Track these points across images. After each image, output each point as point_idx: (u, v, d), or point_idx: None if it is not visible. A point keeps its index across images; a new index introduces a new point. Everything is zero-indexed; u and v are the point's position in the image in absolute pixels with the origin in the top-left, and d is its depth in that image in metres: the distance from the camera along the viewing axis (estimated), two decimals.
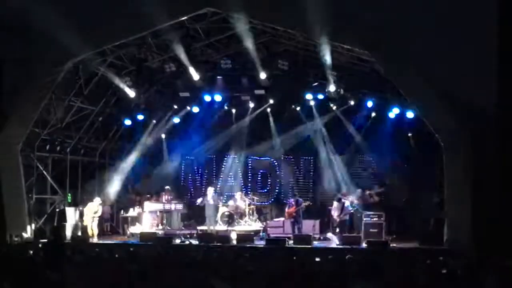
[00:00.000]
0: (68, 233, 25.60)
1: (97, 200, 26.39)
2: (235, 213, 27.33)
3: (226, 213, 27.21)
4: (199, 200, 27.61)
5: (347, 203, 25.41)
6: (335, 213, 25.29)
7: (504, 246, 17.74)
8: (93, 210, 25.97)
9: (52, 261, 11.07)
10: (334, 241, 24.68)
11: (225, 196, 29.72)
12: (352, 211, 25.36)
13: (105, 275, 9.08)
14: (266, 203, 30.40)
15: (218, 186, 30.37)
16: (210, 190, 27.28)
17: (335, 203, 25.43)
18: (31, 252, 15.71)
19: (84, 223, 26.00)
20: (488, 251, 17.13)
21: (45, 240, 21.15)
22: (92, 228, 25.93)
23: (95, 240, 25.31)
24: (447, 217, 21.84)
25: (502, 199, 19.45)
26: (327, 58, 23.48)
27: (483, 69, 19.70)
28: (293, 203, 26.16)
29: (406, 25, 20.25)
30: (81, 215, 26.37)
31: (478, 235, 19.86)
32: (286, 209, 26.44)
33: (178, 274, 9.59)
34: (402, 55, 20.92)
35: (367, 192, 26.33)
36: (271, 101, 28.48)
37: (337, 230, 25.08)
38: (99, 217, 26.38)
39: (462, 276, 10.15)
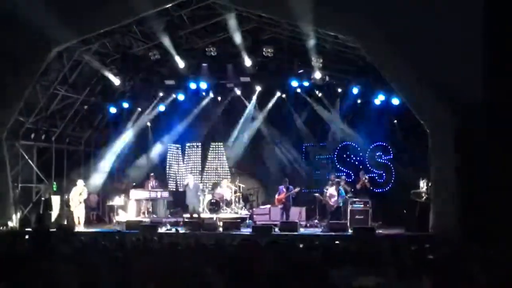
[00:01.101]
0: (53, 221, 25.59)
1: (81, 183, 26.35)
2: (221, 201, 27.28)
3: (212, 201, 27.15)
4: (181, 186, 27.67)
5: (342, 189, 25.45)
6: (332, 199, 25.21)
7: (489, 233, 17.83)
8: (78, 192, 25.97)
9: (38, 249, 11.00)
10: (320, 228, 24.77)
11: (211, 184, 29.71)
12: (346, 197, 25.41)
13: (91, 263, 9.04)
14: (252, 190, 30.37)
15: (204, 173, 30.36)
16: (190, 178, 27.29)
17: (331, 189, 25.36)
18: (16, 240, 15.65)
19: (71, 209, 25.97)
20: (473, 239, 17.20)
21: (30, 229, 21.09)
22: (79, 215, 25.90)
23: (81, 228, 25.24)
24: (433, 204, 21.92)
25: (488, 186, 19.54)
26: (312, 45, 23.51)
27: (470, 58, 19.79)
28: (283, 189, 26.21)
29: (393, 12, 20.28)
30: (67, 203, 26.32)
31: (464, 222, 19.96)
32: (276, 196, 26.47)
33: (164, 261, 9.57)
34: (388, 42, 20.94)
35: (364, 178, 26.31)
36: (259, 88, 28.39)
37: (333, 216, 25.00)
38: (85, 204, 26.38)
39: (447, 263, 10.17)
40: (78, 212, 26.03)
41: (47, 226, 18.01)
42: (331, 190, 25.37)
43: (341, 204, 25.22)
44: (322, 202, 26.09)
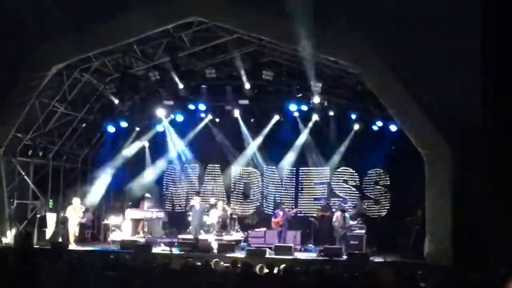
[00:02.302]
0: (49, 238, 25.57)
1: (76, 201, 26.26)
2: (216, 223, 27.22)
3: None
4: (188, 207, 27.52)
5: (347, 215, 25.39)
6: (338, 225, 25.12)
7: (484, 262, 17.83)
8: (74, 211, 25.90)
9: (21, 268, 10.97)
10: (315, 253, 24.71)
11: (208, 206, 29.64)
12: (351, 223, 25.36)
13: (84, 282, 9.04)
14: (248, 213, 30.34)
15: (201, 195, 30.35)
16: (197, 199, 27.14)
17: (338, 214, 25.29)
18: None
19: (70, 228, 25.82)
20: (468, 267, 17.19)
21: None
22: (75, 233, 25.86)
23: (73, 246, 25.09)
24: (428, 231, 21.90)
25: (484, 215, 19.56)
26: (312, 70, 23.60)
27: (468, 85, 19.88)
28: (279, 212, 26.24)
29: (393, 40, 20.39)
30: (63, 221, 26.21)
31: (458, 250, 19.96)
32: (273, 219, 26.48)
33: (159, 282, 9.58)
34: (387, 69, 21.02)
35: (360, 204, 26.34)
36: (255, 111, 28.46)
37: (343, 244, 24.86)
38: (80, 223, 26.35)
39: None
40: (76, 229, 25.97)
41: (31, 245, 17.87)
42: (338, 216, 25.24)
43: (346, 231, 25.10)
44: (316, 226, 26.13)
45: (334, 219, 25.25)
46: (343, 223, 24.89)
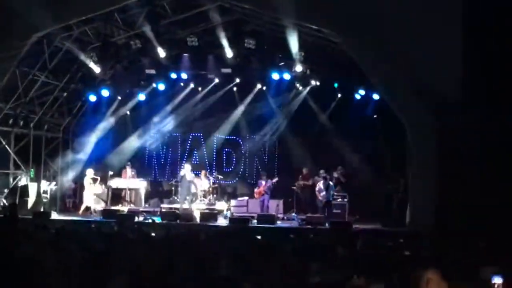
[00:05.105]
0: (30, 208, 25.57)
1: (90, 172, 26.85)
2: (199, 192, 27.27)
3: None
4: (178, 177, 27.57)
5: (331, 183, 25.46)
6: (321, 193, 25.25)
7: (466, 229, 17.98)
8: (88, 182, 26.70)
9: (7, 237, 10.96)
10: (297, 221, 24.82)
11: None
12: (334, 191, 25.47)
13: (68, 251, 9.02)
14: (230, 182, 30.39)
15: (183, 164, 30.29)
16: (187, 167, 27.14)
17: (321, 183, 25.40)
18: None
19: (85, 198, 26.67)
20: (450, 234, 17.33)
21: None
22: (89, 203, 26.69)
23: (54, 215, 25.15)
24: (410, 199, 22.03)
25: (466, 183, 19.70)
26: (294, 38, 23.53)
27: (450, 57, 19.93)
28: (262, 182, 26.38)
29: (374, 9, 20.35)
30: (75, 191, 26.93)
31: (441, 218, 20.10)
32: (256, 189, 26.61)
33: (140, 251, 9.57)
34: (369, 38, 21.00)
35: (339, 172, 26.41)
36: (237, 80, 28.37)
37: (326, 210, 25.03)
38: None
39: (424, 258, 10.25)
40: (88, 201, 26.46)
41: (17, 215, 17.85)
42: (320, 184, 25.40)
43: (330, 198, 25.24)
44: (299, 195, 26.29)
45: (317, 188, 25.37)
46: (326, 192, 25.01)
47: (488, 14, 19.65)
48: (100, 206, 26.61)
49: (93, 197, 26.64)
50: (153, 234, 13.98)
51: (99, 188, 26.89)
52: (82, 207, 26.61)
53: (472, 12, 19.57)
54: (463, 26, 19.67)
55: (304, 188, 26.91)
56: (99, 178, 26.97)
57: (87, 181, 26.62)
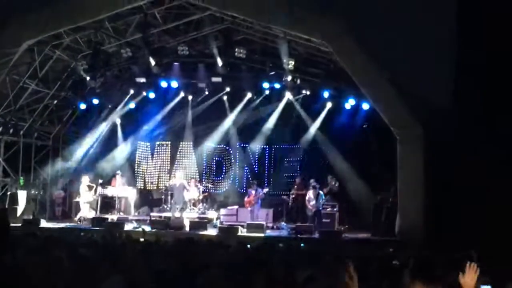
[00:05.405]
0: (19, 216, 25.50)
1: (86, 179, 26.75)
2: (189, 201, 27.26)
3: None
4: (171, 182, 27.62)
5: (321, 193, 25.44)
6: (311, 202, 25.22)
7: (454, 239, 18.00)
8: (84, 188, 26.62)
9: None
10: (286, 230, 24.81)
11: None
12: (324, 201, 25.46)
13: (57, 259, 9.00)
14: (220, 191, 30.37)
15: (173, 172, 30.25)
16: (179, 175, 27.11)
17: (311, 192, 25.40)
18: None
19: (81, 205, 26.63)
20: (439, 245, 17.35)
21: None
22: (84, 212, 26.61)
23: (43, 223, 25.09)
24: (400, 209, 22.05)
25: (454, 193, 19.74)
26: (285, 48, 23.59)
27: (441, 66, 20.00)
28: (252, 192, 26.38)
29: (365, 18, 20.42)
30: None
31: (430, 228, 20.14)
32: (246, 198, 26.60)
33: (130, 259, 9.56)
34: (359, 47, 21.06)
35: (332, 182, 26.40)
36: (228, 89, 28.38)
37: (315, 219, 25.01)
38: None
39: (412, 268, 10.26)
40: (83, 207, 26.56)
41: (8, 221, 17.81)
42: (310, 193, 25.39)
43: (320, 208, 25.22)
44: (289, 205, 26.32)
45: (307, 197, 25.38)
46: (315, 202, 25.02)
47: (482, 16, 19.71)
48: (91, 214, 26.54)
49: (85, 205, 26.60)
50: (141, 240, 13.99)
51: (90, 196, 26.84)
52: (79, 214, 26.52)
53: (465, 19, 19.63)
54: (457, 38, 19.74)
55: (297, 197, 26.90)
56: (94, 186, 26.95)
57: (83, 188, 26.54)
